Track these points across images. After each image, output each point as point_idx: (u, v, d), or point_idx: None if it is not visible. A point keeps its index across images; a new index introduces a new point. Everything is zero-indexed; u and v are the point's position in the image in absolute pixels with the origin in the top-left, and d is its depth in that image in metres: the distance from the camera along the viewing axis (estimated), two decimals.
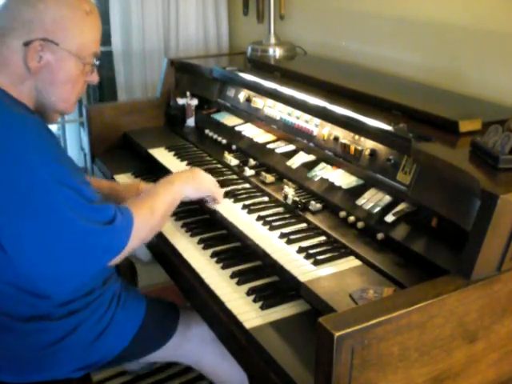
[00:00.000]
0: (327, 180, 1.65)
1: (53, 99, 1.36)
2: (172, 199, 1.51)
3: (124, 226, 1.32)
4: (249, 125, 2.12)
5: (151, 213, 1.41)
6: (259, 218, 1.59)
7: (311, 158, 1.79)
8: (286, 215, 1.61)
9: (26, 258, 1.23)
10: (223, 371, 1.61)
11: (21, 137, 1.24)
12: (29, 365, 1.42)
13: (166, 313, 1.61)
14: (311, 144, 1.81)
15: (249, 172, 1.86)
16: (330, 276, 1.31)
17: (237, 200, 1.71)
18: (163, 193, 1.49)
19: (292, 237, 1.48)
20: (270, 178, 1.79)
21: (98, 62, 1.43)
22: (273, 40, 2.55)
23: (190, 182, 1.58)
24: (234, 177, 1.89)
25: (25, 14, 1.29)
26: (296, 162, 1.80)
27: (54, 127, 3.78)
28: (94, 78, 1.46)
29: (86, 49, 1.37)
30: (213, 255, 1.54)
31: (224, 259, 1.51)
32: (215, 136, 2.18)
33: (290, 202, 1.63)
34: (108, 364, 1.52)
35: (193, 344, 1.60)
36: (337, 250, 1.41)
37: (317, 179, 1.69)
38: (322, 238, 1.48)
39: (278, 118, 1.98)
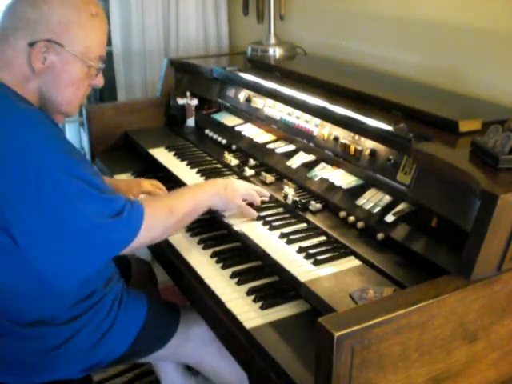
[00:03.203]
0: (327, 180, 1.65)
1: (56, 101, 1.35)
2: (196, 205, 1.47)
3: (132, 220, 1.30)
4: (249, 125, 2.12)
5: (170, 212, 1.38)
6: (259, 218, 1.59)
7: (311, 157, 1.79)
8: (286, 215, 1.61)
9: (37, 250, 1.23)
10: (223, 371, 1.61)
11: (28, 130, 1.23)
12: (30, 368, 1.41)
13: (166, 313, 1.61)
14: (311, 144, 1.81)
15: (249, 172, 1.86)
16: (330, 276, 1.31)
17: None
18: (188, 196, 1.47)
19: (292, 237, 1.48)
20: (269, 178, 1.79)
21: (103, 66, 1.42)
22: (273, 40, 2.55)
23: (220, 192, 1.53)
24: (234, 177, 1.89)
25: (29, 14, 1.28)
26: (296, 162, 1.80)
27: None
28: (99, 82, 1.44)
29: (92, 52, 1.35)
30: (213, 255, 1.54)
31: (224, 259, 1.51)
32: (215, 136, 2.18)
33: (289, 201, 1.63)
34: (109, 365, 1.52)
35: (193, 344, 1.60)
36: (337, 250, 1.41)
37: (317, 179, 1.69)
38: (322, 238, 1.48)
39: (278, 118, 1.98)
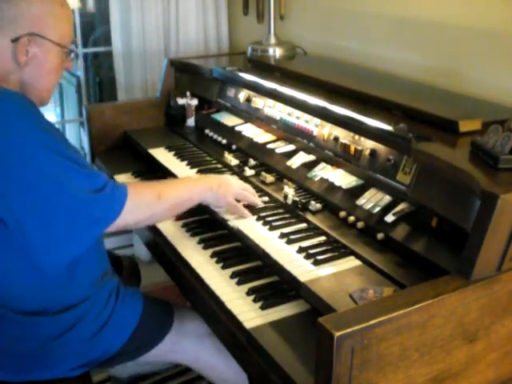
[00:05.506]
0: (327, 180, 1.65)
1: (38, 89, 1.42)
2: (187, 196, 1.49)
3: (115, 197, 1.33)
4: (249, 125, 2.12)
5: (158, 197, 1.41)
6: (259, 218, 1.59)
7: (311, 157, 1.79)
8: (286, 215, 1.61)
9: (23, 226, 1.26)
10: (221, 367, 1.61)
11: (11, 107, 1.29)
12: (28, 362, 1.42)
13: (161, 309, 1.63)
14: (311, 144, 1.81)
15: (249, 172, 1.86)
16: (330, 276, 1.31)
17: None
18: (180, 186, 1.50)
19: (292, 237, 1.48)
20: (269, 178, 1.79)
21: (74, 49, 1.50)
22: (273, 40, 2.55)
23: (214, 188, 1.54)
24: (234, 176, 1.89)
25: (8, 12, 1.34)
26: (296, 162, 1.80)
27: None
28: (71, 65, 1.54)
29: (66, 38, 1.45)
30: (213, 255, 1.54)
31: (224, 259, 1.51)
32: (215, 136, 2.18)
33: (289, 201, 1.63)
34: (107, 362, 1.53)
35: (189, 339, 1.61)
36: (337, 250, 1.41)
37: (317, 179, 1.69)
38: (322, 238, 1.48)
39: (278, 118, 1.98)
